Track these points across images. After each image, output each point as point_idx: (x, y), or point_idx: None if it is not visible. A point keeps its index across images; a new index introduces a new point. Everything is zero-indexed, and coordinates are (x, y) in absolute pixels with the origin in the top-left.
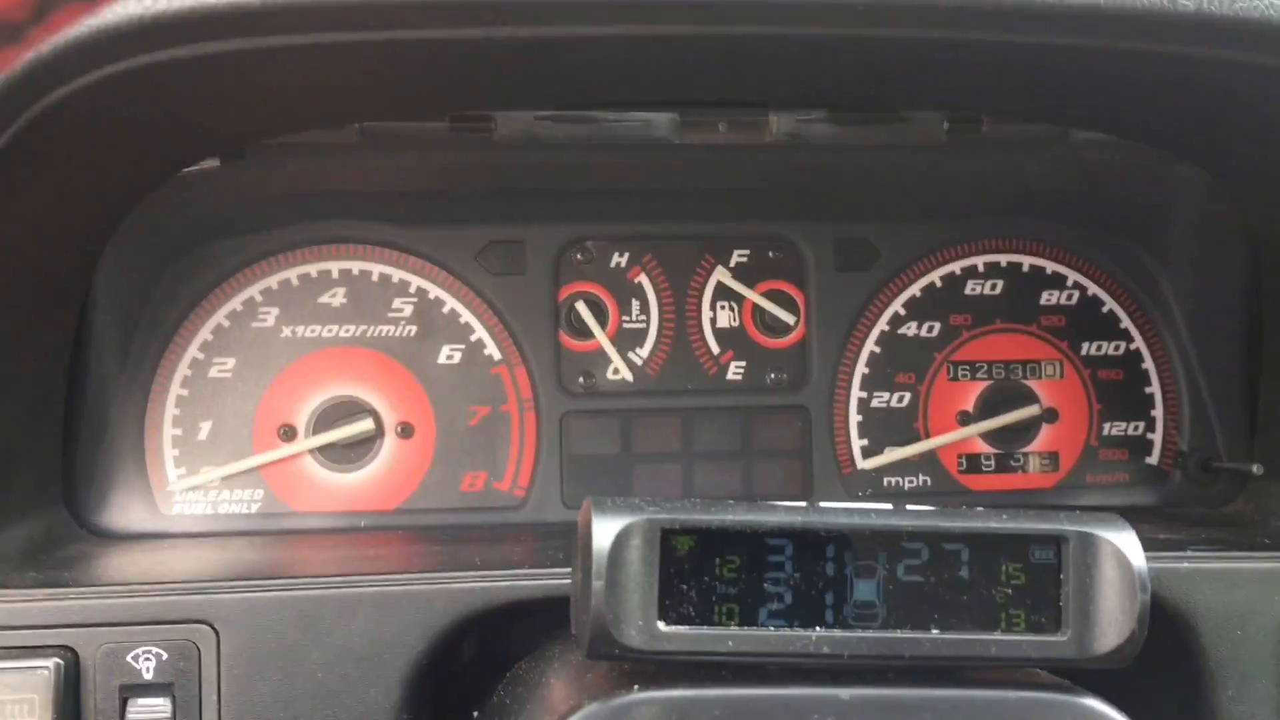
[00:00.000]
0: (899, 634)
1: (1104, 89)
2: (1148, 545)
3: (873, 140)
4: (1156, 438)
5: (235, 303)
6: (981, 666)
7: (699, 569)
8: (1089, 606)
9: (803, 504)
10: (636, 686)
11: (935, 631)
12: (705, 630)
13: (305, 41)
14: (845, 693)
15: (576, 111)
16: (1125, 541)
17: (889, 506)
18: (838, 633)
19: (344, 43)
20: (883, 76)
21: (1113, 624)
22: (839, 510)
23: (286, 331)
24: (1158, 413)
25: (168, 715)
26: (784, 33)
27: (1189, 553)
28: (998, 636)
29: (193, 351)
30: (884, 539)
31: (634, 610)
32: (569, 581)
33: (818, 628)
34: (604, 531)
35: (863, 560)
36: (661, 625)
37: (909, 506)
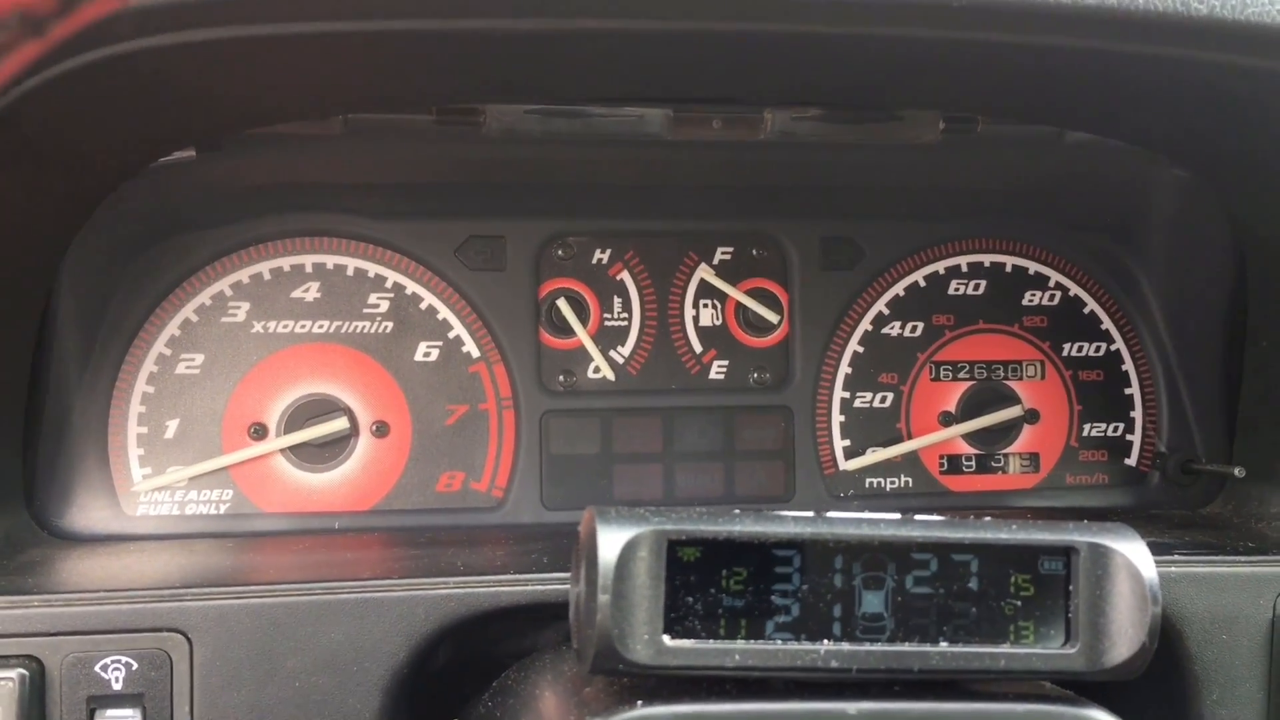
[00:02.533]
0: (907, 647)
1: (1105, 91)
2: None
3: (867, 139)
4: (1135, 439)
5: (204, 297)
6: (989, 680)
7: (705, 581)
8: (1099, 619)
9: (810, 514)
10: (640, 702)
11: (944, 644)
12: (711, 644)
13: (294, 31)
14: (852, 706)
15: (568, 106)
16: (1136, 553)
17: (897, 516)
18: (845, 646)
19: (333, 32)
20: (883, 76)
21: (1123, 636)
22: (848, 520)
23: (258, 327)
24: (1137, 414)
25: None
26: (785, 30)
27: (1175, 557)
28: (1006, 649)
29: (159, 347)
30: (893, 549)
31: (640, 624)
32: (553, 587)
33: (825, 640)
34: (610, 543)
35: (871, 571)
36: (667, 639)
37: (918, 516)
